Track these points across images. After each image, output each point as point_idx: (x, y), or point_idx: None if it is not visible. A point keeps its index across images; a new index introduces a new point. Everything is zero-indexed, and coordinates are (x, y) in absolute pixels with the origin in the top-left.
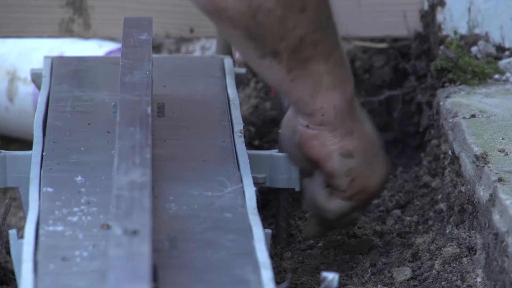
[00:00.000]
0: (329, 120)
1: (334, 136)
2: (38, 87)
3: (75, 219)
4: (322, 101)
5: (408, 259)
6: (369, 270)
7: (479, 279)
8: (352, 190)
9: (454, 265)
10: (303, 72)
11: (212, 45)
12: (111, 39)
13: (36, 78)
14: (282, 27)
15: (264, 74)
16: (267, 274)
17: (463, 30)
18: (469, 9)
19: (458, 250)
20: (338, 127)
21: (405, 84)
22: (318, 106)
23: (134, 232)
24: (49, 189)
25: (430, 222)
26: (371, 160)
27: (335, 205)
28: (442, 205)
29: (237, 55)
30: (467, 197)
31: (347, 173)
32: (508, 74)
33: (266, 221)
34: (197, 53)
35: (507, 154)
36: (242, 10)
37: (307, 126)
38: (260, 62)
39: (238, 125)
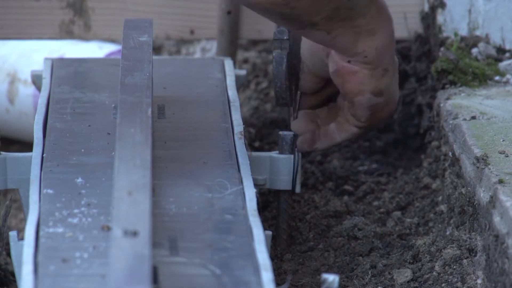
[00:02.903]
0: (371, 60)
1: (372, 75)
2: (39, 88)
3: (75, 220)
4: (364, 46)
5: (408, 260)
6: (370, 272)
7: (479, 281)
8: (370, 122)
9: (454, 266)
10: (343, 30)
11: (212, 47)
12: (112, 40)
13: (36, 79)
14: (315, 5)
15: (305, 37)
16: (267, 276)
17: (463, 31)
18: (470, 11)
19: (458, 251)
20: (378, 66)
21: (406, 86)
22: (361, 50)
23: (135, 234)
24: (50, 191)
25: (431, 224)
26: (394, 92)
27: (346, 133)
28: (443, 207)
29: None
30: (468, 199)
31: (372, 108)
32: (508, 76)
33: (266, 223)
34: (198, 55)
35: (507, 156)
36: (276, 1)
37: (348, 61)
38: (299, 31)
39: (239, 127)
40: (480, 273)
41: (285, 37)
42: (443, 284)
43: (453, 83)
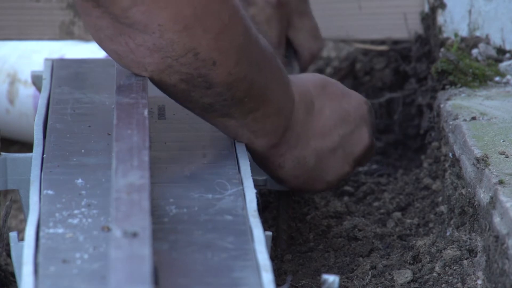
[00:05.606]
0: (255, 159)
1: (267, 166)
2: (39, 89)
3: (75, 221)
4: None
5: (408, 261)
6: (370, 273)
7: (479, 282)
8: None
9: (454, 267)
10: (221, 124)
11: None
12: None
13: (36, 80)
14: (188, 97)
15: None
16: (267, 277)
17: (463, 32)
18: (470, 12)
19: (458, 252)
20: (268, 164)
21: (406, 87)
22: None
23: (134, 234)
24: (50, 192)
25: (431, 225)
26: (317, 171)
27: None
28: (443, 208)
29: None
30: (468, 200)
31: (292, 187)
32: (508, 77)
33: (266, 224)
34: None
35: (507, 157)
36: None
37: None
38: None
39: None
40: (480, 274)
41: None
42: (443, 285)
43: (453, 84)
